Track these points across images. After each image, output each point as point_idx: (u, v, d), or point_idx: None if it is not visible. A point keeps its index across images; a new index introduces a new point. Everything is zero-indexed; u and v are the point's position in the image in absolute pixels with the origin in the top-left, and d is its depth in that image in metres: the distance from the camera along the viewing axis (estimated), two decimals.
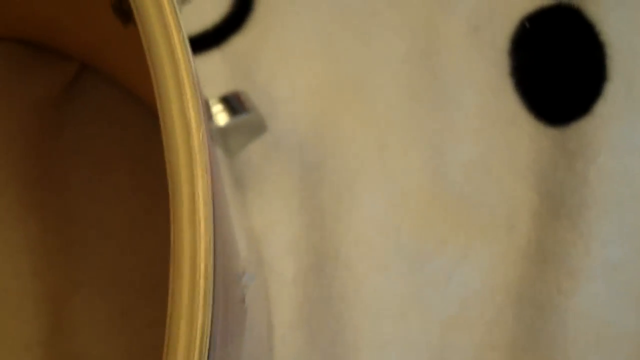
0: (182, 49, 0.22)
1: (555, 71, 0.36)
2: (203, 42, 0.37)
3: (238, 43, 0.37)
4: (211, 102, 0.28)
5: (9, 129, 0.35)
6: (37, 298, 0.33)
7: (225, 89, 0.36)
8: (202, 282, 0.19)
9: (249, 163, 0.35)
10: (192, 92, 0.20)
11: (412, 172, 0.35)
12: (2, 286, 0.33)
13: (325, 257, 0.34)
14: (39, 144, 0.35)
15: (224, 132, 0.28)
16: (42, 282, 0.33)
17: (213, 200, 0.20)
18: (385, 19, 0.37)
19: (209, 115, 0.26)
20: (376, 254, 0.35)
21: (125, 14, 0.26)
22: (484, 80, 0.36)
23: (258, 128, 0.30)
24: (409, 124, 0.36)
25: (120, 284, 0.33)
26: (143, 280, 0.33)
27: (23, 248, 0.34)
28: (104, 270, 0.33)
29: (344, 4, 0.37)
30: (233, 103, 0.28)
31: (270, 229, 0.35)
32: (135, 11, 0.21)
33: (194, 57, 0.36)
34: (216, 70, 0.36)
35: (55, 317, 0.33)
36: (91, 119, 0.35)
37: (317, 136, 0.36)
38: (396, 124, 0.36)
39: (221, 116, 0.28)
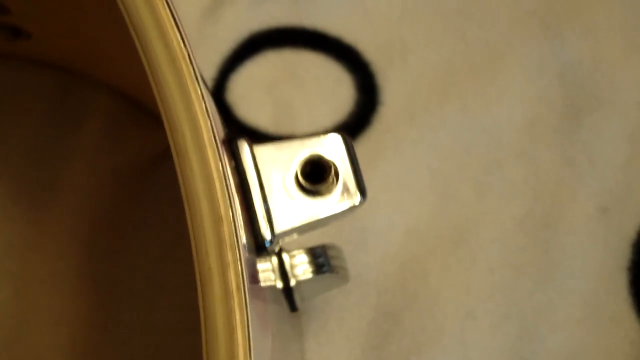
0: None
1: None
2: None
3: None
4: (296, 251, 0.26)
5: (85, 190, 0.33)
6: None
7: None
8: None
9: None
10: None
11: (493, 350, 0.32)
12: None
13: None
14: (112, 214, 0.33)
15: (299, 283, 0.25)
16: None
17: None
18: (508, 175, 0.34)
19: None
20: None
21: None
22: (598, 269, 0.33)
23: (340, 282, 0.27)
24: (503, 295, 0.32)
25: None
26: None
27: (79, 319, 0.32)
28: None
29: (467, 148, 0.34)
30: (321, 259, 0.26)
31: None
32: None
33: None
34: None
35: None
36: (171, 198, 0.33)
37: (400, 283, 0.32)
38: (490, 293, 0.32)
39: (303, 268, 0.25)
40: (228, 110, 0.34)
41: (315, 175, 0.23)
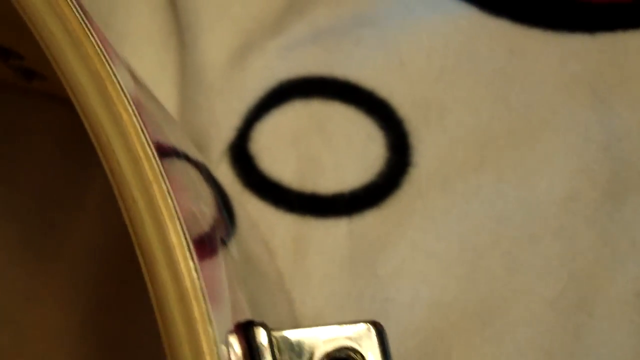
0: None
1: None
2: (334, 206, 0.32)
3: (371, 219, 0.32)
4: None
5: (94, 240, 0.31)
6: None
7: (340, 269, 0.32)
8: None
9: None
10: None
11: None
12: None
13: None
14: (120, 269, 0.31)
15: None
16: None
17: None
18: (543, 251, 0.32)
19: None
20: None
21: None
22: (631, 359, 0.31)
23: None
24: None
25: None
26: None
27: None
28: None
29: (500, 220, 0.32)
30: None
31: None
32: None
33: (320, 219, 0.32)
34: (337, 242, 0.32)
35: None
36: None
37: (421, 359, 0.31)
38: None
39: None
40: (250, 161, 0.32)
41: None
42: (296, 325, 0.31)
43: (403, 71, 0.33)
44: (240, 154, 0.33)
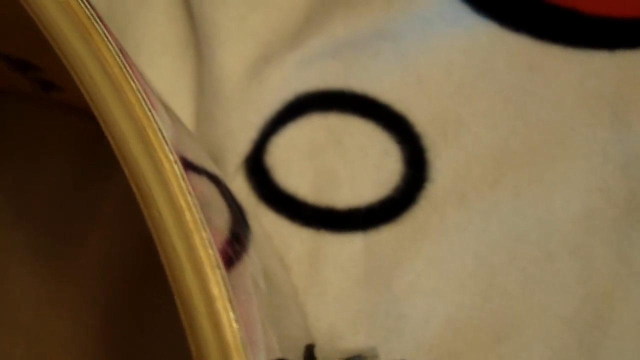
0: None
1: None
2: (349, 221, 0.32)
3: (387, 235, 0.32)
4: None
5: (110, 250, 0.31)
6: None
7: (355, 284, 0.31)
8: None
9: None
10: None
11: None
12: None
13: None
14: (135, 280, 0.31)
15: None
16: None
17: None
18: (559, 269, 0.31)
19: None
20: None
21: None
22: None
23: None
24: None
25: None
26: None
27: None
28: None
29: (517, 237, 0.31)
30: None
31: None
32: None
33: (336, 234, 0.32)
34: (352, 257, 0.32)
35: None
36: None
37: None
38: None
39: None
40: (266, 175, 0.32)
41: None
42: (310, 339, 0.31)
43: (421, 86, 0.33)
44: (256, 167, 0.32)
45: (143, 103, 0.15)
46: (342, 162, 0.32)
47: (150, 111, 0.15)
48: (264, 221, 0.32)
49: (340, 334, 0.31)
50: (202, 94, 0.33)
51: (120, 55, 0.16)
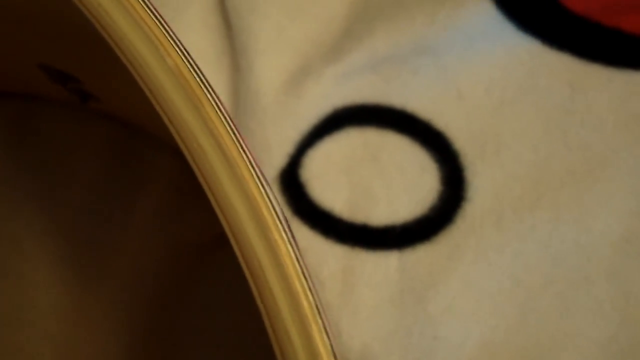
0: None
1: None
2: (385, 238, 0.32)
3: (422, 254, 0.31)
4: None
5: (140, 261, 0.31)
6: None
7: (390, 303, 0.31)
8: None
9: None
10: None
11: None
12: None
13: None
14: (165, 293, 0.30)
15: None
16: None
17: None
18: (596, 293, 0.31)
19: None
20: None
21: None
22: None
23: None
24: None
25: None
26: None
27: None
28: None
29: (555, 260, 0.31)
30: None
31: None
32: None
33: (371, 251, 0.32)
34: (387, 276, 0.31)
35: None
36: (231, 281, 0.30)
37: None
38: None
39: None
40: (301, 189, 0.32)
41: None
42: (341, 358, 0.31)
43: (461, 103, 0.32)
44: (291, 181, 0.32)
45: (256, 178, 0.15)
46: (378, 178, 0.32)
47: (263, 185, 0.15)
48: (298, 236, 0.32)
49: (373, 353, 0.30)
50: (237, 105, 0.33)
51: (232, 124, 0.15)
